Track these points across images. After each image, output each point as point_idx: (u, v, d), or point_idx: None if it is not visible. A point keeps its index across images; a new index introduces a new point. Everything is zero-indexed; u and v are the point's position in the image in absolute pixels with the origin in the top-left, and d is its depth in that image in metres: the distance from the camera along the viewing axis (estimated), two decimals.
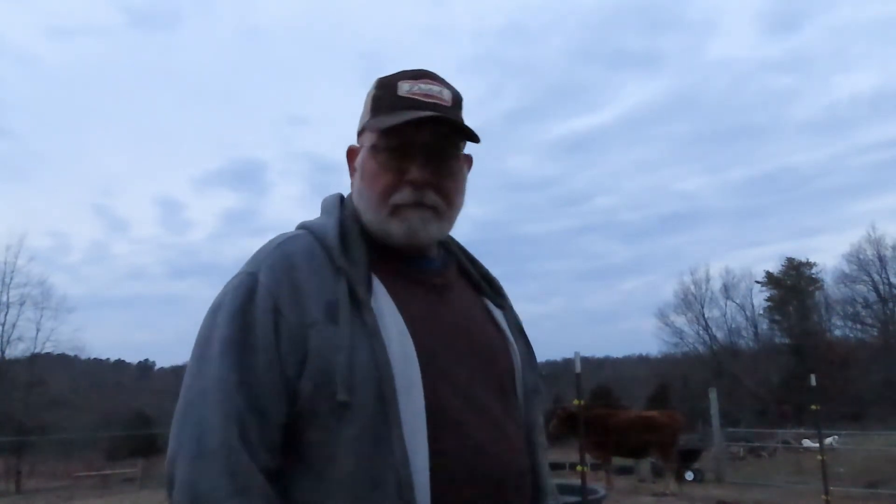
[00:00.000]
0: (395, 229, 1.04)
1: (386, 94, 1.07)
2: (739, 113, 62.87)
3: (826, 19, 63.78)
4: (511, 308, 1.22)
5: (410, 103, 1.04)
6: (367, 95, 1.12)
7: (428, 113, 1.02)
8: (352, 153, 1.14)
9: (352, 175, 1.14)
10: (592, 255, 71.80)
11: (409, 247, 1.06)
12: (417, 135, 1.03)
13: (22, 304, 26.70)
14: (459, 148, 1.09)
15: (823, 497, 9.71)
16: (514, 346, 1.13)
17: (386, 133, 1.04)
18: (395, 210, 1.04)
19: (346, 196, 1.15)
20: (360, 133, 1.12)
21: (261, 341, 0.93)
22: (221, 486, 0.85)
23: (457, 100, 1.10)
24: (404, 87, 1.06)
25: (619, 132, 69.88)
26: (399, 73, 1.09)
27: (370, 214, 1.06)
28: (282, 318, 0.94)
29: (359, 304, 0.95)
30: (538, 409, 1.15)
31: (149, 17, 74.80)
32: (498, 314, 1.16)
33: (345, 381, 0.90)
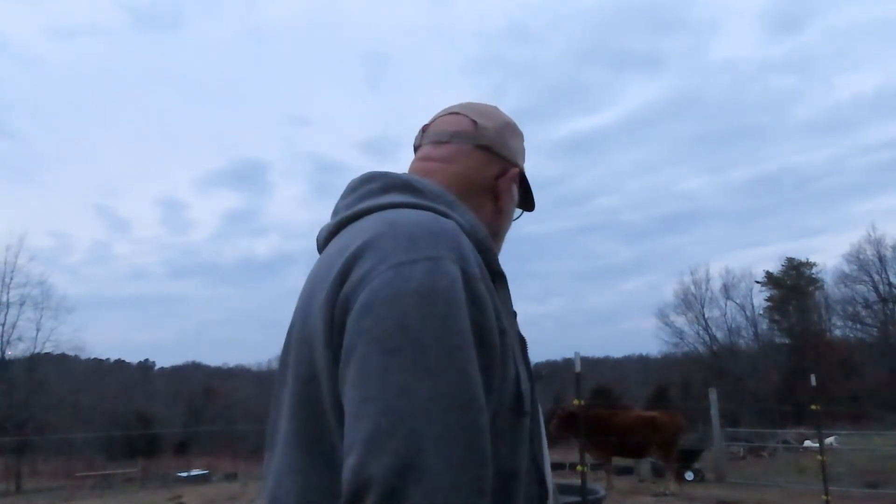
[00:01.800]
0: (495, 257, 1.00)
1: (523, 153, 1.19)
2: (741, 113, 63.03)
3: (828, 20, 63.82)
4: (516, 314, 1.23)
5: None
6: (518, 133, 1.17)
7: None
8: (508, 175, 1.11)
9: (503, 197, 1.10)
10: (593, 256, 71.95)
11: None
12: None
13: (22, 304, 26.77)
14: None
15: (823, 497, 9.72)
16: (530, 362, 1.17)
17: (521, 202, 1.18)
18: (495, 240, 1.09)
19: (449, 190, 1.03)
20: (510, 157, 1.13)
21: (492, 338, 0.82)
22: (485, 493, 0.74)
23: None
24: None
25: (621, 133, 69.97)
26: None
27: (499, 243, 1.12)
28: (489, 316, 0.83)
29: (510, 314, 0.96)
30: (538, 411, 1.16)
31: (152, 17, 74.78)
32: None
33: (528, 393, 0.90)
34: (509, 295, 0.97)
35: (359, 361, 0.76)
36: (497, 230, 1.10)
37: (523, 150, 1.18)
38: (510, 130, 1.14)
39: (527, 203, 1.21)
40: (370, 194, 0.98)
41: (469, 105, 1.15)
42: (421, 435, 0.72)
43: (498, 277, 0.92)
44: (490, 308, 0.84)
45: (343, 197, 1.03)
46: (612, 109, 73.95)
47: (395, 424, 0.72)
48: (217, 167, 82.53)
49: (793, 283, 38.96)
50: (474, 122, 1.10)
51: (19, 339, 26.87)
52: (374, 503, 0.70)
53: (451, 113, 1.13)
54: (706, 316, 37.70)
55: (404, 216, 0.89)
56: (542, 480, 0.93)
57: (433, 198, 0.97)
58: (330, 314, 0.82)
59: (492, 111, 1.15)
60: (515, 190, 1.13)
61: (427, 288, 0.79)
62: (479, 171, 1.08)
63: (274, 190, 76.62)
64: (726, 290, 38.00)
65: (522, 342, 0.98)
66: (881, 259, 33.60)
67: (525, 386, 0.89)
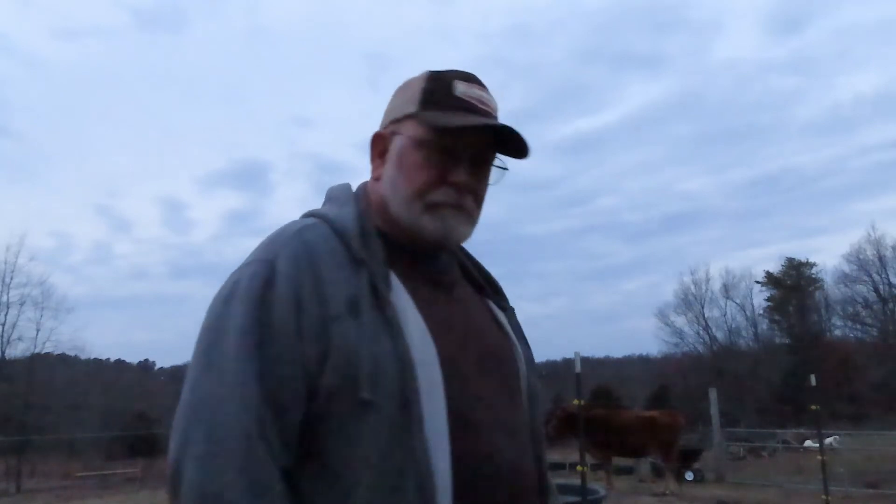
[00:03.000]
0: (429, 225, 1.01)
1: (439, 89, 1.04)
2: (742, 114, 62.91)
3: (829, 21, 63.82)
4: (513, 310, 1.20)
5: (466, 106, 1.03)
6: (411, 85, 1.08)
7: (497, 123, 1.02)
8: (380, 139, 1.09)
9: (376, 161, 1.09)
10: (594, 256, 71.87)
11: (434, 245, 1.05)
12: (471, 140, 1.02)
13: (22, 304, 26.72)
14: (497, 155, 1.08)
15: (823, 497, 9.71)
16: (519, 349, 1.12)
17: (441, 131, 1.01)
18: (432, 207, 1.01)
19: (358, 187, 1.11)
20: (398, 120, 1.07)
21: (281, 332, 0.88)
22: (237, 485, 0.81)
23: (496, 109, 1.09)
24: (459, 88, 1.04)
25: (623, 133, 69.94)
26: (451, 71, 1.07)
27: (401, 207, 1.03)
28: (303, 311, 0.89)
29: (380, 299, 0.91)
30: (540, 412, 1.13)
31: (154, 18, 74.81)
32: (501, 316, 1.15)
33: (368, 379, 0.86)
34: (382, 279, 0.94)
35: None
36: (402, 185, 1.03)
37: (409, 98, 1.07)
38: (396, 95, 1.11)
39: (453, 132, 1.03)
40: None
41: None
42: (185, 429, 0.84)
43: (359, 262, 0.94)
44: (289, 303, 0.89)
45: None
46: (614, 110, 74.01)
47: (177, 417, 0.86)
48: (218, 167, 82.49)
49: (793, 283, 38.93)
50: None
51: (19, 339, 26.87)
52: (169, 488, 0.84)
53: None
54: (706, 316, 37.72)
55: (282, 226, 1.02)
56: (423, 475, 0.86)
57: (327, 200, 1.09)
58: None
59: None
60: (403, 144, 1.04)
61: (225, 290, 0.93)
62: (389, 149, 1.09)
63: (275, 190, 76.47)
64: (726, 290, 38.02)
65: (393, 325, 0.91)
66: (881, 259, 33.63)
67: (365, 371, 0.86)
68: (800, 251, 66.08)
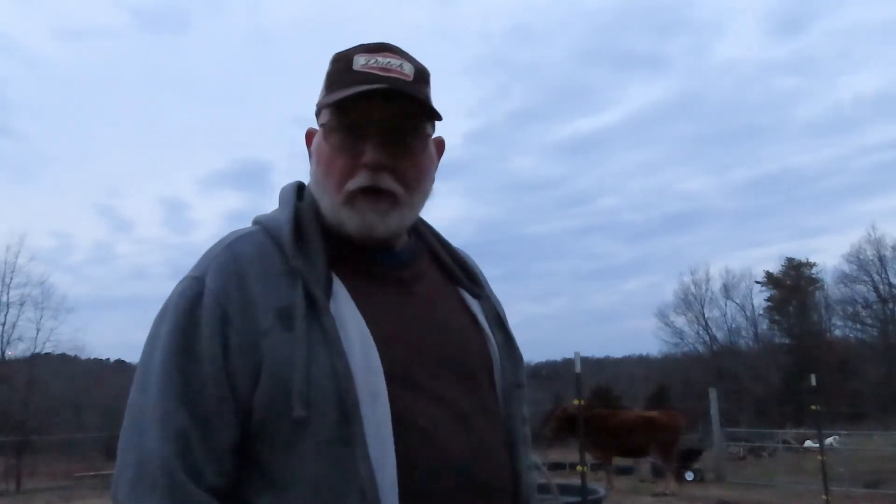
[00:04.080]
0: (350, 221, 0.96)
1: (340, 68, 0.98)
2: (743, 114, 62.80)
3: (831, 21, 63.68)
4: (489, 297, 1.13)
5: (365, 77, 0.94)
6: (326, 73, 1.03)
7: (379, 85, 0.93)
8: (310, 136, 1.05)
9: (310, 160, 1.05)
10: (594, 256, 71.72)
11: (366, 241, 0.98)
12: (373, 111, 0.94)
13: (22, 304, 26.72)
14: (422, 127, 0.99)
15: (823, 497, 9.72)
16: (492, 338, 1.05)
17: (338, 111, 0.95)
18: (349, 198, 0.95)
19: (305, 184, 1.07)
20: (317, 114, 1.02)
21: (206, 351, 0.86)
22: None
23: (421, 74, 1.00)
24: (360, 61, 0.96)
25: (624, 133, 69.78)
26: (357, 46, 0.99)
27: (326, 202, 0.98)
28: (230, 327, 0.87)
29: (317, 308, 0.87)
30: (519, 403, 1.06)
31: (156, 18, 74.72)
32: (474, 305, 1.08)
33: (301, 396, 0.83)
34: (318, 286, 0.89)
35: None
36: (321, 179, 0.99)
37: (324, 85, 1.02)
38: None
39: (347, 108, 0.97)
40: None
41: None
42: (122, 451, 0.87)
43: (294, 271, 0.90)
44: (215, 321, 0.87)
45: None
46: (615, 110, 73.77)
47: (120, 436, 0.88)
48: (220, 167, 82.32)
49: (793, 283, 38.91)
50: None
51: (19, 339, 26.90)
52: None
53: None
54: (706, 316, 37.72)
55: None
56: (366, 487, 0.82)
57: (279, 202, 1.04)
58: None
59: None
60: (318, 137, 1.01)
61: (162, 308, 0.93)
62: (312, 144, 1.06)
63: (276, 190, 74.93)
64: (726, 290, 38.01)
65: (330, 336, 0.87)
66: (881, 259, 33.61)
67: (298, 390, 0.83)
68: (800, 251, 66.09)
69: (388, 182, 0.95)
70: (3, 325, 26.75)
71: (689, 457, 15.21)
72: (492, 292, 1.16)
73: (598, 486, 8.17)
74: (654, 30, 68.72)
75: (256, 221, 1.01)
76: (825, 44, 61.25)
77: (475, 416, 0.95)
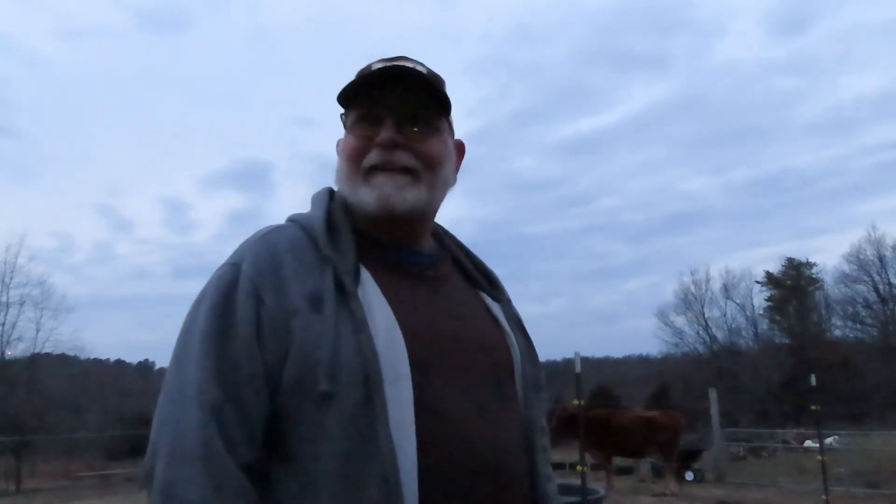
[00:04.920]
0: (367, 197, 1.00)
1: (359, 73, 1.06)
2: (744, 114, 62.85)
3: (832, 21, 63.72)
4: (509, 301, 1.18)
5: (379, 73, 1.01)
6: None
7: (384, 65, 1.01)
8: (338, 143, 1.12)
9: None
10: (594, 256, 71.84)
11: (386, 218, 1.02)
12: (387, 99, 1.01)
13: (22, 304, 26.67)
14: (435, 115, 1.05)
15: (823, 497, 9.72)
16: (513, 339, 1.10)
17: (355, 103, 1.02)
18: (367, 174, 1.01)
19: (336, 190, 1.13)
20: (343, 122, 1.09)
21: (241, 331, 0.91)
22: (199, 485, 0.84)
23: (434, 76, 1.07)
24: (375, 66, 1.04)
25: (625, 133, 69.92)
26: (376, 60, 1.08)
27: (346, 187, 1.04)
28: (263, 307, 0.92)
29: (345, 293, 0.92)
30: (539, 406, 1.10)
31: (157, 19, 74.89)
32: (495, 308, 1.13)
33: (328, 372, 0.87)
34: (348, 274, 0.95)
35: None
36: (343, 167, 1.05)
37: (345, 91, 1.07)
38: None
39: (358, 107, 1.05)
40: None
41: None
42: (157, 429, 0.89)
43: (325, 260, 0.96)
44: (249, 303, 0.92)
45: None
46: (616, 110, 73.98)
47: (154, 415, 0.91)
48: (221, 168, 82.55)
49: (793, 283, 38.92)
50: None
51: (19, 339, 26.84)
52: (145, 483, 0.89)
53: None
54: (706, 316, 37.73)
55: None
56: (387, 463, 0.86)
57: (311, 204, 1.09)
58: None
59: None
60: (342, 138, 1.08)
61: (199, 293, 0.97)
62: None
63: (277, 191, 76.30)
64: (726, 290, 38.01)
65: (357, 318, 0.92)
66: (881, 259, 33.60)
67: (325, 363, 0.88)
68: (800, 251, 66.13)
69: (403, 158, 1.00)
70: (3, 325, 26.71)
71: (689, 457, 15.22)
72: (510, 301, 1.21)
73: (598, 486, 8.16)
74: (654, 30, 68.84)
75: (291, 219, 1.06)
76: (826, 44, 61.36)
77: (496, 410, 0.99)
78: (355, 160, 1.02)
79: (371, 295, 0.95)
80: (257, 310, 0.92)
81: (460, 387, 0.96)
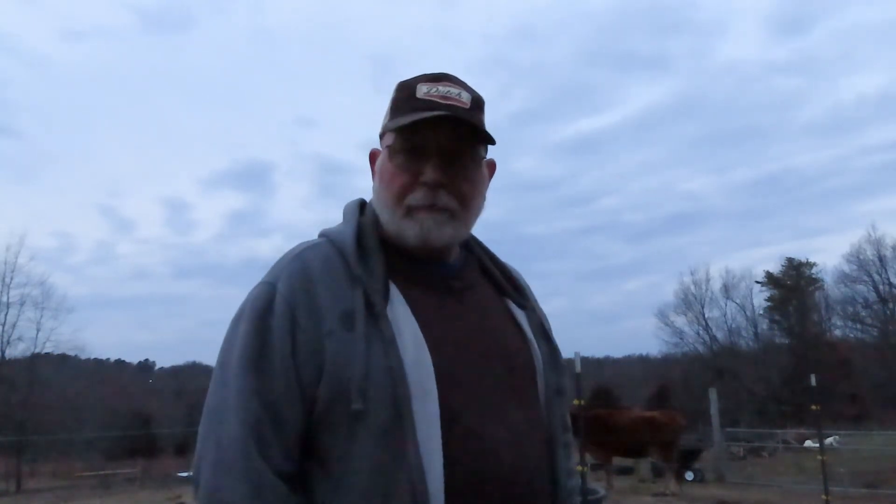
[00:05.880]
0: (409, 231, 1.05)
1: (404, 96, 1.08)
2: (745, 115, 62.83)
3: (833, 22, 63.75)
4: (534, 308, 1.21)
5: (427, 105, 1.05)
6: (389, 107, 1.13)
7: (439, 112, 1.03)
8: (373, 157, 1.16)
9: (373, 178, 1.15)
10: (595, 256, 71.86)
11: (423, 249, 1.07)
12: (433, 136, 1.04)
13: (22, 304, 26.62)
14: (477, 150, 1.09)
15: (823, 497, 9.72)
16: (536, 346, 1.13)
17: (401, 134, 1.05)
18: (409, 211, 1.05)
19: (367, 201, 1.17)
20: (381, 136, 1.13)
21: (277, 350, 0.97)
22: (239, 491, 0.91)
23: (476, 102, 1.10)
24: (422, 90, 1.07)
25: (626, 134, 69.90)
26: (419, 76, 1.10)
27: (386, 215, 1.08)
28: (298, 328, 0.97)
29: (374, 312, 0.97)
30: (561, 409, 1.14)
31: (159, 19, 74.94)
32: (520, 315, 1.16)
33: (359, 390, 0.92)
34: (377, 293, 0.99)
35: None
36: (382, 194, 1.09)
37: (385, 113, 1.13)
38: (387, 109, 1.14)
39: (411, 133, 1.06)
40: None
41: None
42: (203, 436, 0.97)
43: (356, 279, 1.00)
44: (286, 323, 0.97)
45: None
46: (617, 110, 74.08)
47: (201, 423, 0.99)
48: (222, 168, 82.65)
49: (793, 283, 38.89)
50: None
51: (19, 339, 26.79)
52: (193, 485, 0.97)
53: None
54: (706, 316, 37.66)
55: None
56: (415, 477, 0.91)
57: (343, 218, 1.14)
58: None
59: None
60: (382, 158, 1.11)
61: (238, 310, 1.03)
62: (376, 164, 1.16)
63: (278, 191, 76.45)
64: (726, 290, 37.95)
65: (386, 336, 0.96)
66: (881, 259, 33.53)
67: (357, 385, 0.92)
68: (800, 251, 66.16)
69: (444, 199, 1.05)
70: (3, 325, 26.67)
71: (689, 457, 15.21)
72: (537, 304, 1.24)
73: (598, 486, 8.17)
74: (655, 30, 68.85)
75: (323, 234, 1.11)
76: (827, 44, 61.38)
77: (519, 419, 1.03)
78: (399, 196, 1.06)
79: (399, 312, 1.00)
80: (293, 331, 0.97)
81: (485, 399, 1.00)
